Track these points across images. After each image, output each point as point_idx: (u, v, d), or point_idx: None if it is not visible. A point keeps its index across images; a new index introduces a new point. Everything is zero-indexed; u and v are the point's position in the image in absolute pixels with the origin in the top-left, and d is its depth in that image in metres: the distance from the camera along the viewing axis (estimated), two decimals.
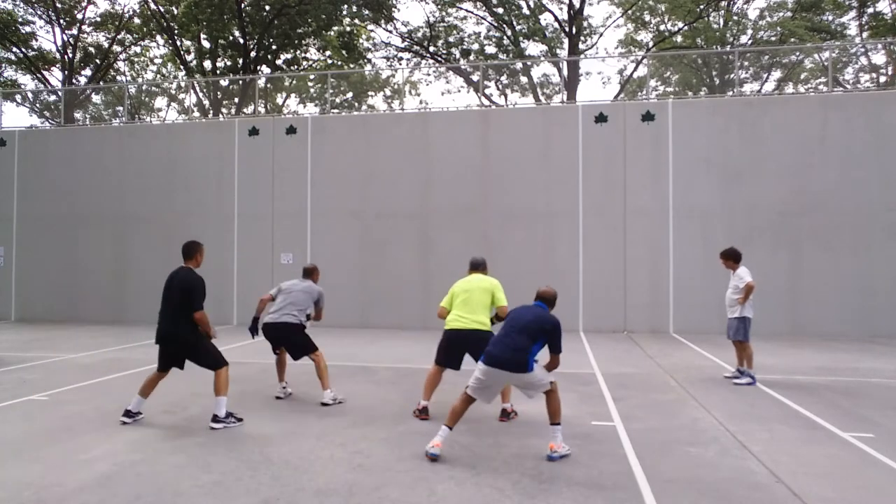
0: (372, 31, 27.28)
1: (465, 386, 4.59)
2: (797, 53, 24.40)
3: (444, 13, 26.33)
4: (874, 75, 25.73)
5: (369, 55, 27.74)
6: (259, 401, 6.25)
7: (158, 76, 30.90)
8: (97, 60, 27.25)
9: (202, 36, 25.20)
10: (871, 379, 7.54)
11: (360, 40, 26.94)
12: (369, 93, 29.88)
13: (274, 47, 25.31)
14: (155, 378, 5.43)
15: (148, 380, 5.42)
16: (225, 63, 25.86)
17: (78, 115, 26.40)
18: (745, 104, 12.88)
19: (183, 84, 28.49)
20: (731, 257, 7.43)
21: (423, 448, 4.57)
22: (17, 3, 24.88)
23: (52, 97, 27.21)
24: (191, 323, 5.24)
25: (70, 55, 26.12)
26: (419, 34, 26.56)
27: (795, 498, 3.67)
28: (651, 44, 27.04)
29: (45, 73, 27.14)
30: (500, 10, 25.15)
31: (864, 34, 24.92)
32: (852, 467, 4.24)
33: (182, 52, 25.99)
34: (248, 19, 24.18)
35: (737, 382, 7.14)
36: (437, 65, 27.11)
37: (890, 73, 24.70)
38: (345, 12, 25.21)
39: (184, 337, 5.29)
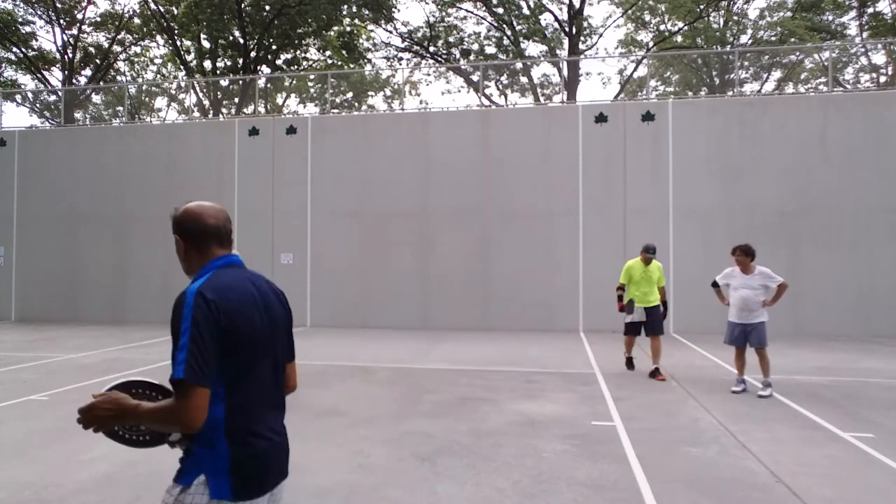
0: (372, 31, 27.29)
1: None
2: (797, 53, 24.39)
3: (444, 13, 26.33)
4: (874, 75, 25.73)
5: (369, 55, 27.74)
6: None
7: (158, 76, 30.89)
8: (97, 60, 27.24)
9: (202, 36, 25.18)
10: (871, 379, 7.54)
11: (360, 40, 26.93)
12: (369, 93, 29.87)
13: (274, 47, 25.30)
14: None
15: None
16: (225, 63, 25.85)
17: (78, 115, 26.40)
18: (745, 104, 12.88)
19: (183, 84, 28.48)
20: (753, 254, 6.62)
21: (423, 448, 4.57)
22: (17, 3, 24.89)
23: (52, 97, 27.20)
24: None
25: (70, 55, 26.12)
26: (419, 34, 26.55)
27: (795, 498, 3.67)
28: (651, 44, 27.03)
29: (45, 73, 27.13)
30: (500, 11, 25.14)
31: (864, 34, 24.91)
32: (852, 467, 4.24)
33: (182, 52, 25.98)
34: (248, 19, 24.17)
35: (763, 394, 6.45)
36: (437, 65, 27.11)
37: (890, 73, 24.69)
38: (345, 12, 25.20)
39: None
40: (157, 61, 30.17)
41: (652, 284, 7.67)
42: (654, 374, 7.49)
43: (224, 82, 25.86)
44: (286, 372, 1.92)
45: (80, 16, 26.11)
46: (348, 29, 26.24)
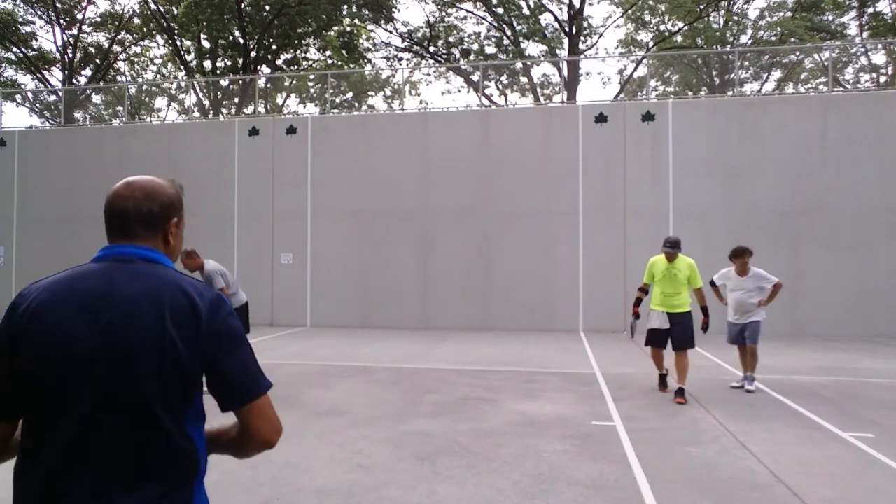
0: (372, 31, 27.30)
1: None
2: (797, 53, 24.38)
3: (444, 13, 26.34)
4: (874, 75, 25.73)
5: (369, 55, 27.74)
6: None
7: (158, 76, 30.90)
8: (97, 60, 27.25)
9: (202, 36, 25.19)
10: (871, 379, 7.54)
11: (360, 40, 26.94)
12: (369, 93, 29.87)
13: (274, 47, 25.31)
14: None
15: None
16: (225, 63, 25.85)
17: (78, 115, 26.39)
18: (745, 104, 12.88)
19: (183, 84, 28.48)
20: (751, 253, 6.78)
21: (423, 448, 4.56)
22: (17, 3, 24.89)
23: (52, 97, 27.19)
24: None
25: (70, 55, 26.12)
26: (419, 34, 26.55)
27: (795, 498, 3.67)
28: (651, 44, 27.04)
29: (45, 73, 27.14)
30: (500, 11, 25.15)
31: (864, 34, 24.92)
32: (852, 467, 4.24)
33: (182, 52, 25.99)
34: (248, 19, 24.18)
35: (749, 389, 6.65)
36: (437, 65, 27.11)
37: (890, 73, 24.70)
38: (345, 12, 25.21)
39: None
40: (157, 61, 30.19)
41: (677, 285, 6.55)
42: (678, 394, 6.21)
43: (224, 82, 25.86)
44: (244, 419, 1.25)
45: (80, 16, 26.13)
46: (348, 29, 26.25)
